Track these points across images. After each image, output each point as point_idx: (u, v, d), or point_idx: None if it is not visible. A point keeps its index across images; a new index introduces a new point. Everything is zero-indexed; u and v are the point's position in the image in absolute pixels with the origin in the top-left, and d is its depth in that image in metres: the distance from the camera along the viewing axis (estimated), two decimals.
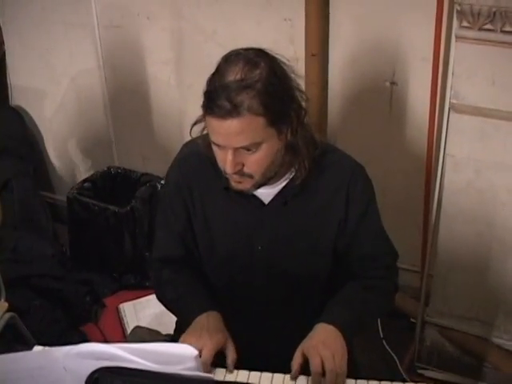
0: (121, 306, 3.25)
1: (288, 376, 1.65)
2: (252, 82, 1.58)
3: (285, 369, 1.66)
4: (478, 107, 2.34)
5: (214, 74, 1.63)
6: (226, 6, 2.96)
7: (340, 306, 1.77)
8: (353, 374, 1.66)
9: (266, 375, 1.65)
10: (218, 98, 1.58)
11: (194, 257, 1.92)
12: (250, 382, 1.63)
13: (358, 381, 1.63)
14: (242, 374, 1.65)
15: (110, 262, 3.43)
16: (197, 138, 1.81)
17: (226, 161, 1.65)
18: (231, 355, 1.68)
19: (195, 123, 1.75)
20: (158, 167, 3.50)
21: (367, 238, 1.86)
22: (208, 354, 1.62)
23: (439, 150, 2.56)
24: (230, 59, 1.63)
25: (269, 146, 1.65)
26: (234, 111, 1.56)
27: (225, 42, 2.99)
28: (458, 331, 2.74)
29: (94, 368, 1.32)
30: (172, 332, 2.82)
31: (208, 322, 1.71)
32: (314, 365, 1.59)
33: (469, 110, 2.36)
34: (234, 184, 1.74)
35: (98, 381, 1.32)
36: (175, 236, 1.90)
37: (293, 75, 1.70)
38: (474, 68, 2.29)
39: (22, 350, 1.57)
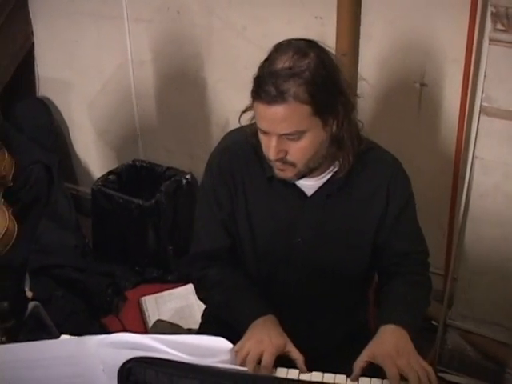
0: (142, 299, 3.25)
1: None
2: (300, 71, 1.60)
3: (319, 364, 1.66)
4: (509, 111, 2.32)
5: (264, 61, 1.66)
6: (256, 3, 2.96)
7: (396, 305, 1.77)
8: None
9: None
10: (265, 83, 1.60)
11: (237, 250, 1.91)
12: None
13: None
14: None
15: (133, 255, 3.44)
16: (241, 127, 1.83)
17: (269, 147, 1.66)
18: (299, 357, 1.67)
19: (245, 111, 1.77)
20: (183, 162, 3.52)
21: (404, 234, 1.87)
22: (269, 358, 1.62)
23: (468, 153, 2.55)
24: (280, 48, 1.65)
25: (313, 135, 1.66)
26: (279, 97, 1.59)
27: (254, 39, 3.00)
28: (481, 335, 2.73)
29: (127, 358, 1.33)
30: (192, 326, 2.83)
31: (266, 326, 1.70)
32: (392, 375, 1.58)
33: (499, 114, 2.35)
34: (276, 172, 1.75)
35: (131, 370, 1.32)
36: (219, 225, 1.89)
37: (343, 70, 1.72)
38: (507, 71, 2.27)
39: (46, 339, 1.57)
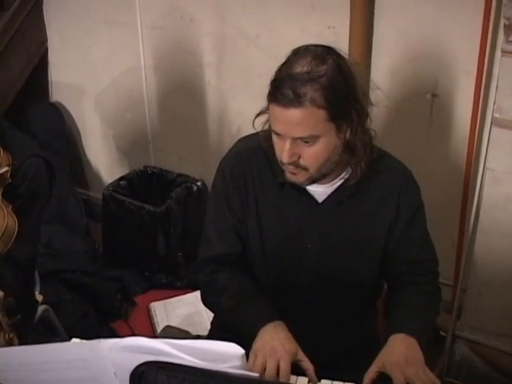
0: (151, 304, 3.26)
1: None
2: (318, 76, 1.62)
3: (327, 371, 1.67)
4: None
5: (282, 65, 1.68)
6: (269, 12, 2.97)
7: (407, 314, 1.78)
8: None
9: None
10: (283, 86, 1.62)
11: (247, 255, 1.92)
12: None
13: None
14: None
15: (143, 260, 3.45)
16: (254, 133, 1.85)
17: (283, 150, 1.67)
18: (310, 367, 1.68)
19: (259, 113, 1.78)
20: (194, 169, 3.53)
21: (415, 243, 1.88)
22: (286, 366, 1.64)
23: (478, 164, 2.55)
24: (299, 52, 1.68)
25: (327, 140, 1.67)
26: (296, 101, 1.60)
27: (267, 47, 3.01)
28: (489, 347, 2.73)
29: (139, 362, 1.33)
30: (201, 333, 2.82)
31: (277, 332, 1.71)
32: None
33: (511, 125, 2.35)
34: (288, 175, 1.76)
35: (143, 374, 1.32)
36: (232, 230, 1.89)
37: (359, 78, 1.73)
38: None
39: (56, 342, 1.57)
